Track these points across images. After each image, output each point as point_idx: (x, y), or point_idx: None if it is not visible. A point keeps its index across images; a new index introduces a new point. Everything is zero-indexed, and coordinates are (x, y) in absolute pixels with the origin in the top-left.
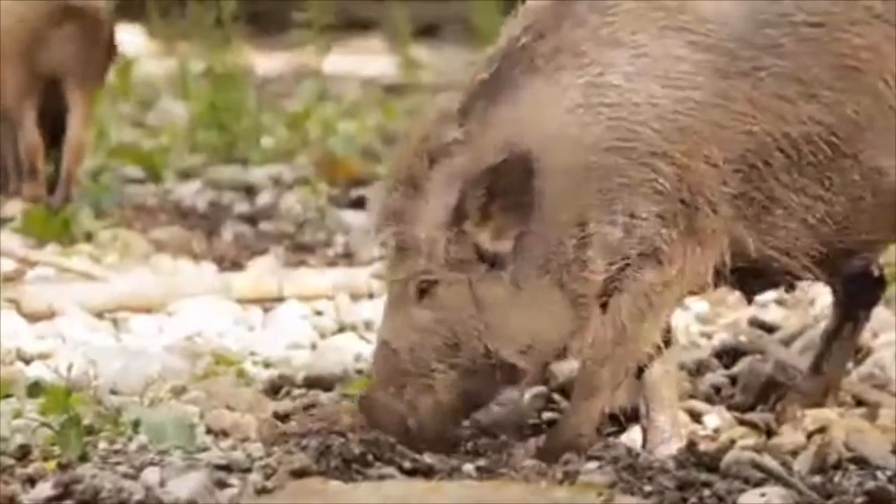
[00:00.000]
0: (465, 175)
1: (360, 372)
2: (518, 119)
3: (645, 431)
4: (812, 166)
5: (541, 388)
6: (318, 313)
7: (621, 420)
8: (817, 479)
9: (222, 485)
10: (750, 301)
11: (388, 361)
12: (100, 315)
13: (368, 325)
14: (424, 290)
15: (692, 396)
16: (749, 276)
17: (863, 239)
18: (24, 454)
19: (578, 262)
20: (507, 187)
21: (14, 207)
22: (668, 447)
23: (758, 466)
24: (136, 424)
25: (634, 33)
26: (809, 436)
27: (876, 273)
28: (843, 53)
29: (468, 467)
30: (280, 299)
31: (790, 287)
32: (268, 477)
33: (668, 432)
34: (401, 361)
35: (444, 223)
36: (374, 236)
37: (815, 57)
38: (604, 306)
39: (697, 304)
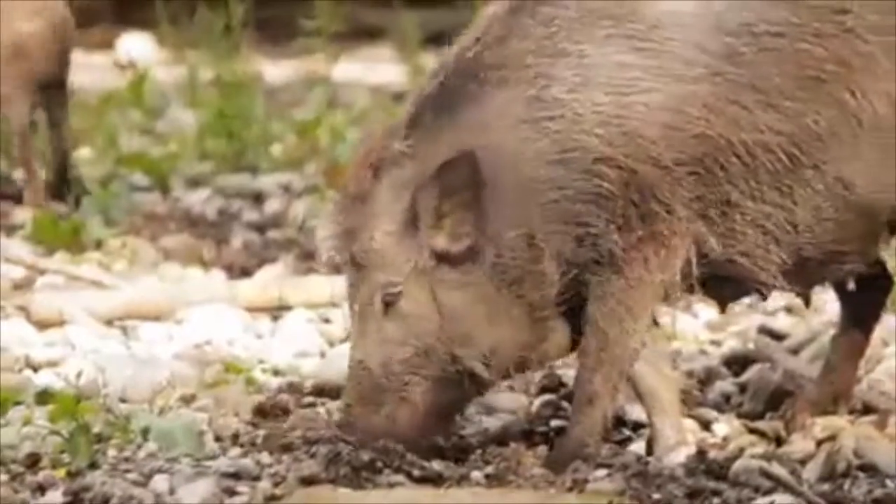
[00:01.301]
0: (413, 183)
1: None
2: (464, 134)
3: (650, 439)
4: (770, 174)
5: (549, 396)
6: (327, 321)
7: (627, 426)
8: (826, 487)
9: (231, 492)
10: (723, 309)
11: (363, 379)
12: (109, 323)
13: None
14: (389, 304)
15: (701, 404)
16: (720, 284)
17: (831, 249)
18: (33, 462)
19: (533, 274)
20: (457, 185)
21: (23, 215)
22: (677, 455)
23: (767, 474)
24: (145, 432)
25: (578, 43)
26: (819, 444)
27: (883, 279)
28: (806, 65)
29: (477, 475)
30: (286, 307)
31: (763, 295)
32: (277, 484)
33: (672, 438)
34: (375, 378)
35: (397, 232)
36: (332, 255)
37: (775, 66)
38: (574, 314)
39: (706, 312)
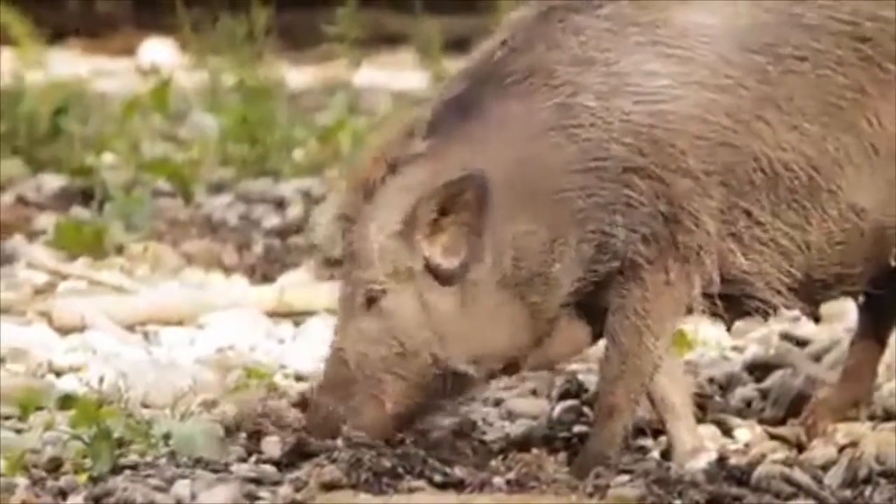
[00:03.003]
0: (421, 188)
1: None
2: (487, 139)
3: (667, 446)
4: (790, 192)
5: (571, 401)
6: None
7: (647, 433)
8: (848, 493)
9: (253, 497)
10: (729, 328)
11: (338, 368)
12: (131, 328)
13: None
14: (372, 300)
15: (723, 410)
16: (726, 301)
17: (839, 272)
18: (55, 466)
19: (542, 277)
20: (462, 205)
21: (46, 220)
22: (699, 460)
23: (788, 480)
24: (166, 437)
25: (606, 51)
26: (840, 450)
27: None
28: (827, 90)
29: (498, 480)
30: (308, 312)
31: (765, 315)
32: (298, 490)
33: (688, 442)
34: (350, 369)
35: (394, 233)
36: (326, 242)
37: (798, 89)
38: (592, 321)
39: None
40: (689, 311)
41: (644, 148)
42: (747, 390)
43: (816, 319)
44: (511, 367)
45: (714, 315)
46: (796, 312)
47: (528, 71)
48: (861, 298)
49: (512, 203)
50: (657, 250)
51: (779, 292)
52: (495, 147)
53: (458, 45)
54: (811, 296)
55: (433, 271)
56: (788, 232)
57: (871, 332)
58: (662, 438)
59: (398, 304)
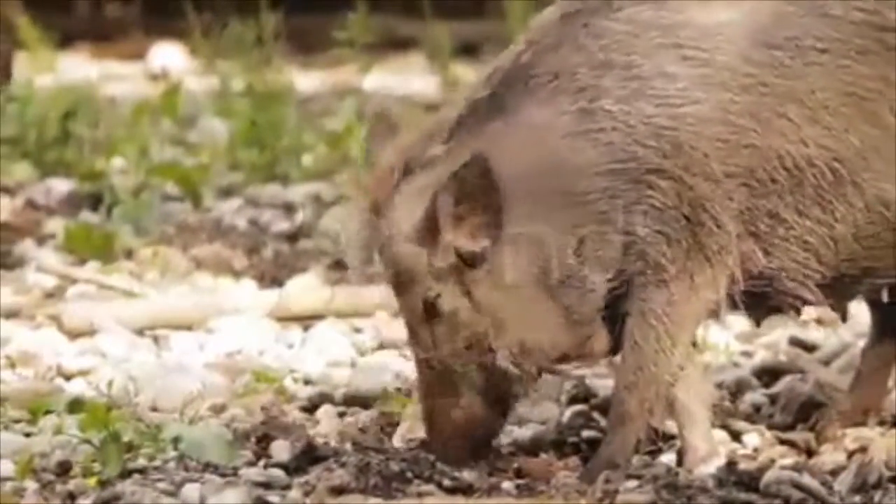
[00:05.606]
0: (435, 188)
1: (399, 390)
2: (508, 141)
3: (680, 452)
4: (814, 189)
5: (580, 406)
6: (358, 331)
7: (657, 439)
8: (857, 498)
9: (262, 502)
10: (758, 325)
11: (429, 375)
12: (140, 332)
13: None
14: (429, 306)
15: (732, 416)
16: (755, 299)
17: (867, 265)
18: (64, 470)
19: (574, 279)
20: (471, 189)
21: (55, 225)
22: (708, 466)
23: (798, 486)
24: (175, 441)
25: (628, 54)
26: (850, 455)
27: None
28: (850, 82)
29: (507, 485)
30: (317, 317)
31: (797, 311)
32: (307, 494)
33: (702, 450)
34: (435, 374)
35: (418, 235)
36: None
37: (820, 82)
38: (614, 323)
39: (737, 323)
40: (715, 315)
41: (666, 150)
42: (756, 395)
43: (844, 316)
44: (554, 366)
45: (743, 311)
46: (805, 317)
47: (551, 74)
48: (874, 305)
49: (535, 205)
50: (681, 252)
51: (808, 289)
52: (517, 149)
53: (468, 49)
54: (841, 291)
55: (463, 258)
56: (814, 228)
57: (884, 340)
58: (673, 442)
59: (449, 303)
